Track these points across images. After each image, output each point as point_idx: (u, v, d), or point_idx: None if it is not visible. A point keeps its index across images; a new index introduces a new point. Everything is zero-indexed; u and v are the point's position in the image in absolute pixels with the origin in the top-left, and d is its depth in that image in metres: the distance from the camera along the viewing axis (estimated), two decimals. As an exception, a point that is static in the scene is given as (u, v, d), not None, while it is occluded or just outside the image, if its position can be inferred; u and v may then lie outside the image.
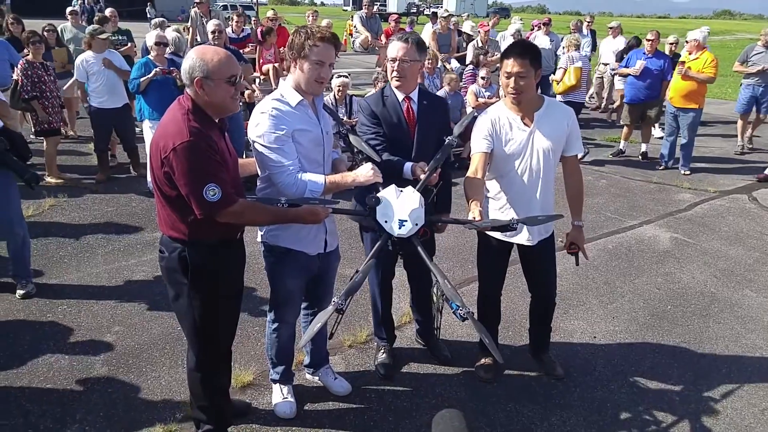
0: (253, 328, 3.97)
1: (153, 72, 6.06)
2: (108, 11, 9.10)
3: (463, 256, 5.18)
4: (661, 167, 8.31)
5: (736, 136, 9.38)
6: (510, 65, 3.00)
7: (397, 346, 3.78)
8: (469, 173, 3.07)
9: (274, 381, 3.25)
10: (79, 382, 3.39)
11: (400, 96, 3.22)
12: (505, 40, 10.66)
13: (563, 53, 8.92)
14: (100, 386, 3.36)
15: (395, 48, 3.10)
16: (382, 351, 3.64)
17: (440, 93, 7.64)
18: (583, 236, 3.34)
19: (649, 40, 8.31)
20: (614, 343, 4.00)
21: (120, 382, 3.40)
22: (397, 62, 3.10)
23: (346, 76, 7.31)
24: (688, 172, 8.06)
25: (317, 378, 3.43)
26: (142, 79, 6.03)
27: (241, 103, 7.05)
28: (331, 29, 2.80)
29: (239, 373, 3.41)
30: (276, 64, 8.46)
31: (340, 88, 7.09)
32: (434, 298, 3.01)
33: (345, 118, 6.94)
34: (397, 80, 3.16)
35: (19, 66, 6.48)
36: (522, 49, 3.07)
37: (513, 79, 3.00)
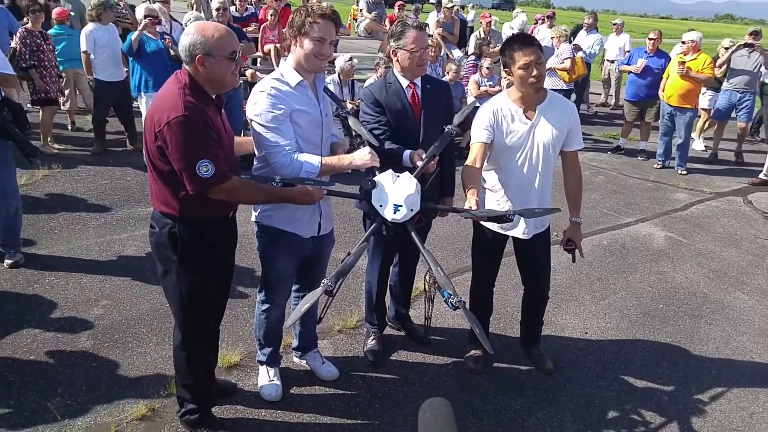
0: (243, 308, 3.93)
1: (143, 24, 6.03)
2: None
3: (457, 246, 5.14)
4: (658, 166, 8.29)
5: (735, 139, 9.21)
6: (527, 54, 2.95)
7: (387, 333, 3.75)
8: (468, 162, 3.04)
9: (261, 363, 3.22)
10: (62, 355, 3.35)
11: (405, 82, 3.17)
12: (511, 32, 10.59)
13: (554, 44, 8.92)
14: (84, 360, 3.32)
15: (417, 37, 3.05)
16: (372, 337, 3.62)
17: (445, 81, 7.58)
18: (580, 233, 3.31)
19: (651, 39, 8.34)
20: (605, 340, 3.99)
21: (104, 357, 3.36)
22: (422, 50, 3.07)
23: (352, 59, 7.25)
24: (684, 172, 8.05)
25: (305, 362, 3.40)
26: (132, 37, 5.98)
27: (241, 82, 6.99)
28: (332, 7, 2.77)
29: (226, 353, 3.38)
30: (278, 45, 8.37)
31: (345, 70, 7.03)
32: (426, 286, 2.99)
33: (348, 100, 6.89)
34: (422, 69, 3.14)
35: (18, 34, 6.40)
36: (528, 38, 3.09)
37: (532, 67, 2.95)
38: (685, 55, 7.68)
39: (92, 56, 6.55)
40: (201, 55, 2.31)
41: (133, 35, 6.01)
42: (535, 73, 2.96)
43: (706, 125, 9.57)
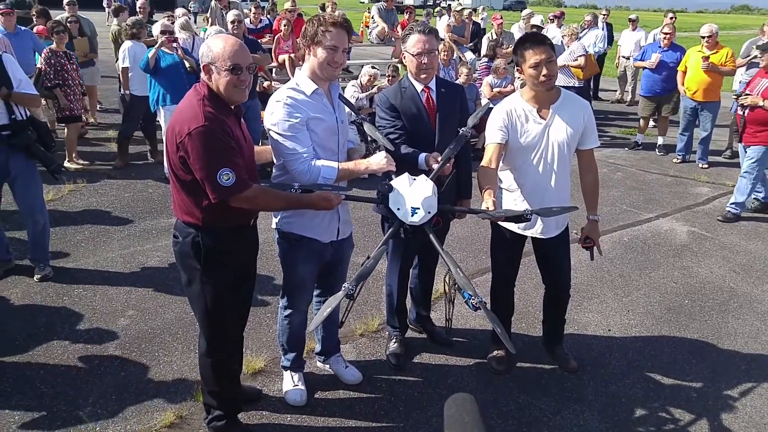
0: (266, 314, 3.98)
1: (159, 42, 6.16)
2: (140, 2, 9.24)
3: (476, 247, 5.14)
4: (678, 161, 8.18)
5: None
6: (538, 53, 2.96)
7: (409, 336, 3.76)
8: (483, 163, 3.06)
9: (285, 368, 3.25)
10: (92, 366, 3.43)
11: (419, 87, 3.20)
12: (519, 32, 10.65)
13: (565, 43, 8.89)
14: (113, 369, 3.40)
15: (421, 41, 3.07)
16: (394, 340, 3.63)
17: (459, 84, 7.60)
18: (598, 231, 3.30)
19: (665, 34, 8.25)
20: (629, 337, 3.95)
21: (133, 366, 3.43)
22: (425, 55, 3.08)
23: (376, 68, 7.41)
24: (706, 166, 7.94)
25: (328, 366, 3.43)
26: (149, 54, 6.11)
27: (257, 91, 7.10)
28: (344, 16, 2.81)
29: (251, 360, 3.42)
30: (292, 55, 8.46)
31: (370, 78, 7.15)
32: (446, 288, 2.99)
33: (367, 106, 6.97)
34: (426, 72, 3.15)
35: (43, 55, 6.60)
36: (540, 37, 3.10)
37: (544, 66, 2.95)
38: (708, 49, 7.54)
39: (130, 72, 6.79)
40: (206, 63, 2.39)
41: (150, 52, 6.13)
42: (545, 71, 2.96)
43: None
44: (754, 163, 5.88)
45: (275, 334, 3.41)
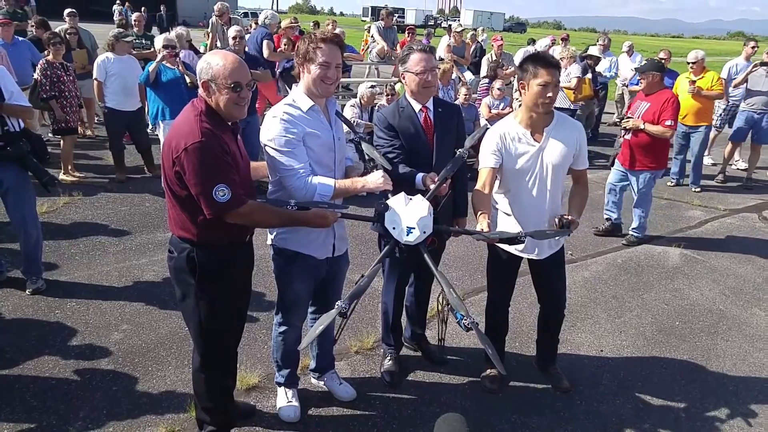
0: (260, 330, 3.98)
1: (160, 56, 6.20)
2: (135, 16, 9.30)
3: (472, 266, 5.17)
4: (672, 184, 8.27)
5: (747, 155, 8.96)
6: (550, 74, 2.94)
7: (404, 354, 3.77)
8: (477, 187, 3.08)
9: (279, 384, 3.26)
10: (83, 380, 3.41)
11: (417, 106, 3.23)
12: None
13: (564, 65, 9.02)
14: (104, 384, 3.38)
15: (423, 59, 3.12)
16: (389, 358, 3.64)
17: (457, 104, 7.68)
18: (577, 224, 3.13)
19: (661, 59, 8.37)
20: (621, 357, 3.98)
21: (125, 381, 3.42)
22: (428, 73, 3.13)
23: (374, 87, 7.53)
24: (698, 189, 8.03)
25: (322, 383, 3.43)
26: (150, 68, 6.15)
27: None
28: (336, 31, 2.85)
29: (245, 375, 3.42)
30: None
31: (367, 96, 7.22)
32: (439, 308, 3.01)
33: (367, 122, 7.04)
34: (429, 90, 3.19)
35: (38, 66, 6.59)
36: (554, 60, 3.05)
37: (550, 88, 2.96)
38: (694, 74, 7.67)
39: (104, 85, 6.73)
40: (205, 80, 2.40)
41: (151, 66, 6.18)
42: (550, 94, 2.97)
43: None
44: (644, 190, 5.81)
45: (270, 350, 3.41)
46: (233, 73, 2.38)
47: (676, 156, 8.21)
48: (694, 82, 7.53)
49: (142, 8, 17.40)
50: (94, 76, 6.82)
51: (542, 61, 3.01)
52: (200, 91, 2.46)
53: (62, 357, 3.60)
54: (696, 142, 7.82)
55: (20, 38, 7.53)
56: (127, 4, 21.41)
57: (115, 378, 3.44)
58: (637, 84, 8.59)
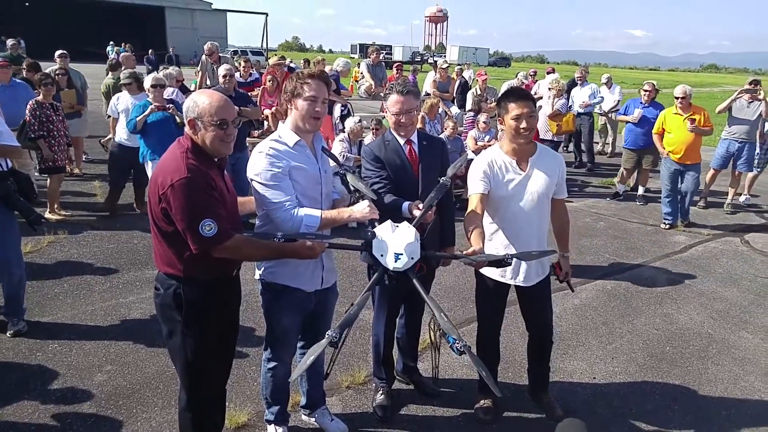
0: (250, 367, 3.91)
1: (149, 109, 6.21)
2: (122, 54, 9.44)
3: (464, 296, 5.15)
4: (666, 227, 7.72)
5: (727, 184, 8.94)
6: (520, 107, 3.08)
7: (396, 387, 3.72)
8: (469, 211, 3.12)
9: (269, 422, 3.19)
10: (64, 425, 3.30)
11: (402, 140, 3.30)
12: (540, 88, 11.74)
13: (550, 97, 9.25)
14: (85, 429, 3.28)
15: (399, 102, 3.19)
16: (381, 392, 3.59)
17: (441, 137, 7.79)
18: (569, 265, 3.51)
19: (646, 91, 8.60)
20: (614, 384, 3.95)
21: (107, 425, 3.32)
22: (403, 115, 3.20)
23: (361, 121, 7.66)
24: (686, 223, 7.82)
25: (313, 419, 3.36)
26: (138, 118, 6.17)
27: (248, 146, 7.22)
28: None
29: (234, 414, 3.35)
30: (274, 109, 8.61)
31: (355, 130, 7.32)
32: (431, 334, 2.99)
33: (356, 156, 7.12)
34: (404, 129, 3.26)
35: (28, 106, 6.62)
36: (523, 92, 3.23)
37: (524, 119, 3.07)
38: (681, 109, 7.46)
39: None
40: (191, 118, 2.43)
41: (139, 117, 6.17)
42: (525, 125, 3.08)
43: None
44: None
45: (259, 387, 3.35)
46: (219, 111, 2.42)
47: (666, 197, 7.74)
48: (694, 120, 7.28)
49: (126, 44, 17.61)
50: (108, 113, 7.31)
51: (513, 95, 3.16)
52: (186, 128, 2.48)
53: (42, 401, 3.48)
54: (692, 178, 7.52)
55: (17, 80, 7.59)
56: (124, 44, 21.73)
57: (96, 422, 3.33)
58: (625, 113, 8.79)
